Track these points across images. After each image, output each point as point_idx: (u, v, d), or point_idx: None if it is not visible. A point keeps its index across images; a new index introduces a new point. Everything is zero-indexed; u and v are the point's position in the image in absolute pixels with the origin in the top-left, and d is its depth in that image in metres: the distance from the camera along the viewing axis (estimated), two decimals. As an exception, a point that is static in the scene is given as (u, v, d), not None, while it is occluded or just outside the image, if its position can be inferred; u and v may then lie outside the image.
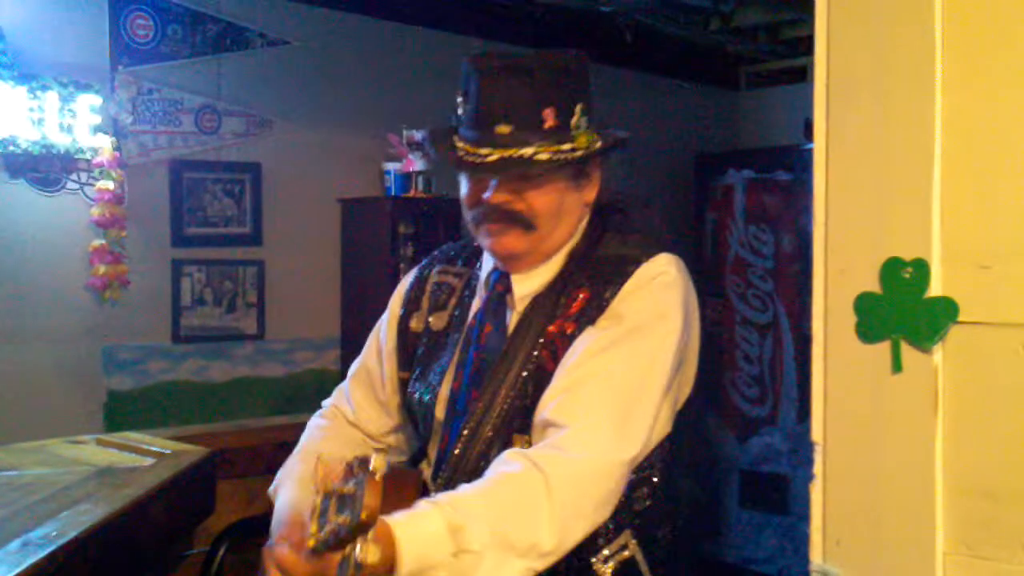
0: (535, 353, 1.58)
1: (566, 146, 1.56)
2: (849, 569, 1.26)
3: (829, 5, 1.23)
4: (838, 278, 1.25)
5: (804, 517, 4.47)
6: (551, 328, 1.58)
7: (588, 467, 1.43)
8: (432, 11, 4.51)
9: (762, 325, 5.07)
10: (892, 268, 1.19)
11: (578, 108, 1.59)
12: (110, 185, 3.61)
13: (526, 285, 1.64)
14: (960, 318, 1.15)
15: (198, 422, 3.93)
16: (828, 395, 1.27)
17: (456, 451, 1.59)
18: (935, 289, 1.17)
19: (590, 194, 1.66)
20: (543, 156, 1.54)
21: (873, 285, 1.21)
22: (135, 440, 2.86)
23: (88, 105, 3.57)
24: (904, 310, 1.18)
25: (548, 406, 1.50)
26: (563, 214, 1.62)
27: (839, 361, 1.25)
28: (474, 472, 1.55)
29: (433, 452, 1.71)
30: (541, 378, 1.56)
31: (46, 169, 3.56)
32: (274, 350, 4.19)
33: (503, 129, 1.56)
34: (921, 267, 1.17)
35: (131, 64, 3.75)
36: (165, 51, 3.84)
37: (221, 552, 3.16)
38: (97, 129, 3.59)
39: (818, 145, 1.25)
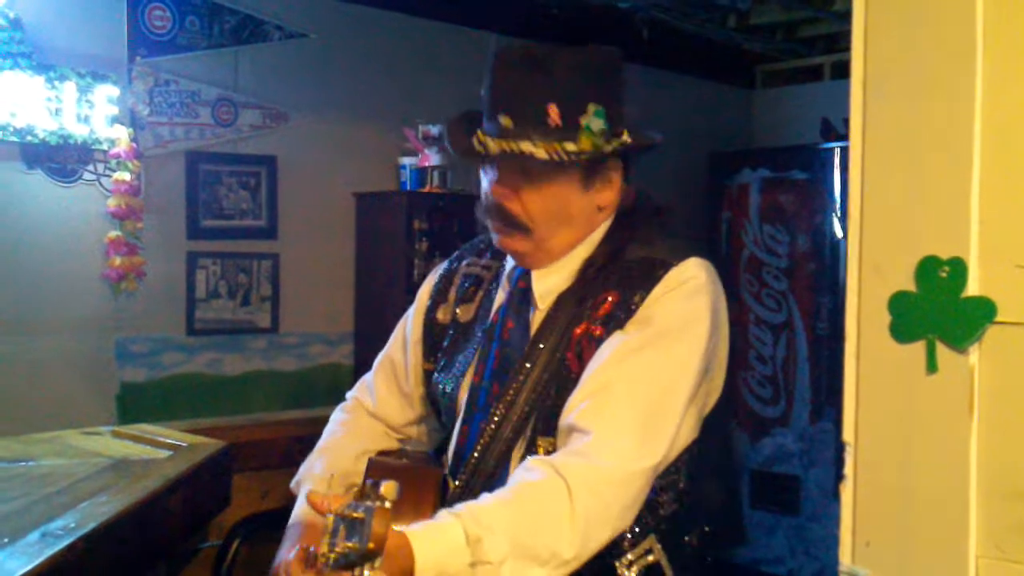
0: (559, 355, 1.56)
1: (569, 146, 1.50)
2: (879, 571, 1.25)
3: (867, 2, 1.21)
4: (872, 276, 1.23)
5: (815, 518, 4.46)
6: (577, 330, 1.55)
7: (610, 475, 1.42)
8: (450, 6, 4.50)
9: (776, 325, 5.05)
10: (928, 267, 1.17)
11: (591, 108, 1.52)
12: (127, 176, 3.61)
13: (546, 282, 1.62)
14: (998, 318, 1.14)
15: (211, 415, 3.93)
16: (860, 395, 1.26)
17: (476, 452, 1.58)
18: (972, 289, 1.15)
19: (605, 197, 1.61)
20: (541, 154, 1.49)
21: (908, 284, 1.19)
22: (150, 432, 2.86)
23: (105, 96, 3.56)
24: (940, 310, 1.17)
25: (574, 411, 1.48)
26: (567, 217, 1.58)
27: (872, 361, 1.24)
28: (492, 474, 1.54)
29: (452, 447, 1.70)
30: (565, 380, 1.54)
31: (63, 160, 3.56)
32: (288, 344, 4.19)
33: (505, 121, 1.52)
34: (958, 266, 1.15)
35: (149, 55, 3.74)
36: (182, 43, 3.83)
37: (235, 545, 3.16)
38: (114, 120, 3.59)
39: (854, 141, 1.23)
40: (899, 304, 1.20)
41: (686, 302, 1.53)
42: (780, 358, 5.03)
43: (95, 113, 3.54)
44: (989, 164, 1.14)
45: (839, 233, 4.78)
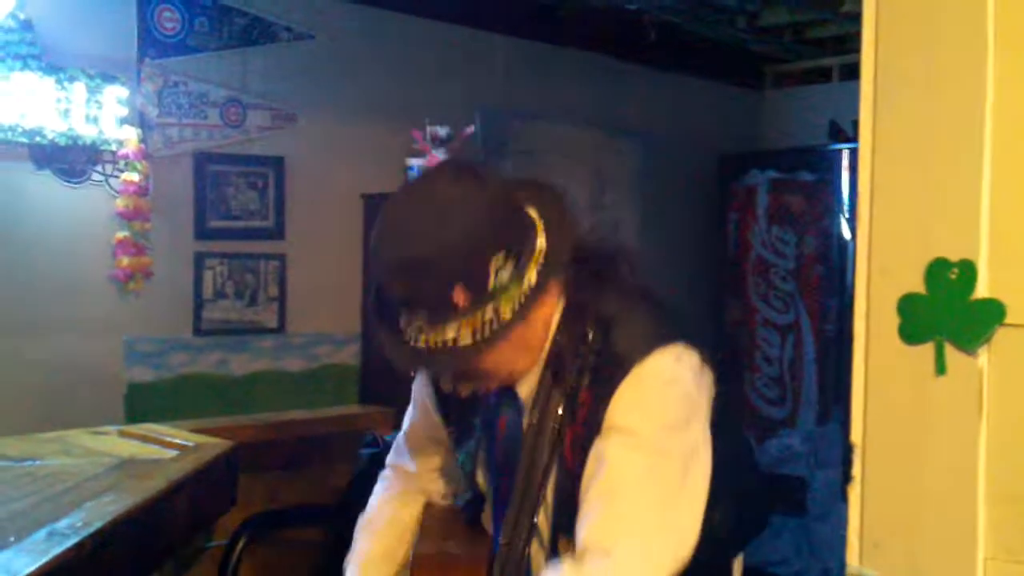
0: (553, 465, 1.55)
1: (488, 316, 1.42)
2: (887, 573, 1.25)
3: (878, 2, 1.21)
4: (881, 278, 1.23)
5: (822, 519, 4.43)
6: (567, 438, 1.53)
7: None
8: (457, 6, 4.50)
9: (783, 326, 5.04)
10: (938, 269, 1.17)
11: (493, 264, 1.42)
12: (135, 177, 3.61)
13: (526, 388, 1.60)
14: (1007, 320, 1.13)
15: (218, 415, 3.93)
16: (868, 396, 1.25)
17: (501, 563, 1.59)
18: (981, 291, 1.15)
19: (547, 311, 1.54)
20: (466, 340, 1.42)
21: (917, 286, 1.19)
22: (157, 432, 2.86)
23: (115, 97, 3.57)
24: (949, 311, 1.16)
25: (587, 534, 1.45)
26: (523, 346, 1.54)
27: (881, 362, 1.24)
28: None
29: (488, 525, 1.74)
30: (567, 488, 1.53)
31: (72, 160, 3.56)
32: (295, 344, 4.19)
33: (420, 319, 1.44)
34: (968, 268, 1.15)
35: (158, 56, 3.75)
36: (192, 44, 3.84)
37: (241, 545, 3.17)
38: (123, 121, 3.59)
39: (863, 142, 1.23)
40: (908, 306, 1.20)
41: (661, 401, 1.48)
42: (787, 359, 5.02)
43: (104, 114, 3.55)
44: (999, 166, 1.14)
45: (847, 235, 4.77)
